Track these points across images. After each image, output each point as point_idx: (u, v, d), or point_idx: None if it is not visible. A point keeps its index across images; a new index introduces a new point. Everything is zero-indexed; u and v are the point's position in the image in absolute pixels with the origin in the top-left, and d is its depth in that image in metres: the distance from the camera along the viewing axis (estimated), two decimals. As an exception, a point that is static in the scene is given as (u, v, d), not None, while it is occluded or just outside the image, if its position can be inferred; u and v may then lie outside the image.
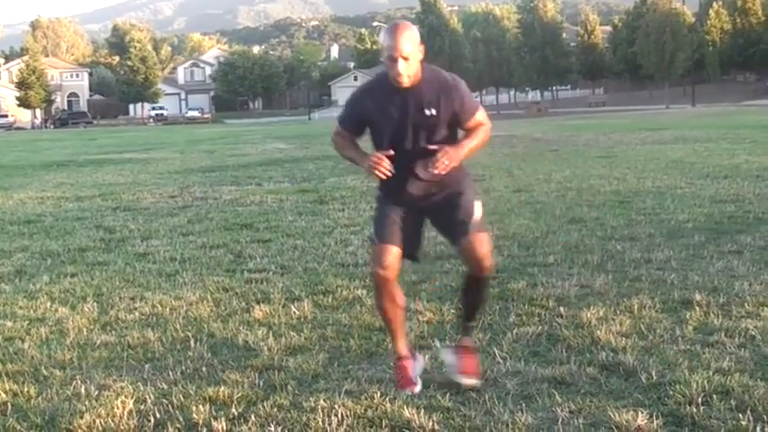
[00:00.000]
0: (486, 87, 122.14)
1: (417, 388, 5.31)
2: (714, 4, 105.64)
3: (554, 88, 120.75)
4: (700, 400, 4.88)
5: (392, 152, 5.13)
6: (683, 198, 13.82)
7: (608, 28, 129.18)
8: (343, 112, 5.54)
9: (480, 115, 5.36)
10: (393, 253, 5.29)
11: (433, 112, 5.19)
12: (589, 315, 6.80)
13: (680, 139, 30.36)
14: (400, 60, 5.05)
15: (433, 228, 5.67)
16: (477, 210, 5.36)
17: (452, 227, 5.35)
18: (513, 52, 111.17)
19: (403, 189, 5.35)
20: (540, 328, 6.57)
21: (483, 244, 5.28)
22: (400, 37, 5.08)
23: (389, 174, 5.08)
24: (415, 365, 5.49)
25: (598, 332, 6.32)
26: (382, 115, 5.26)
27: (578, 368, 5.56)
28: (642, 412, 4.74)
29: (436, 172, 5.02)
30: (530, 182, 17.28)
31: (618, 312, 6.90)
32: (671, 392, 5.02)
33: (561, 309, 7.07)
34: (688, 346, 5.97)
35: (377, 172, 5.08)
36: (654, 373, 5.36)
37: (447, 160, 5.02)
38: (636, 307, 7.01)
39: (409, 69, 5.10)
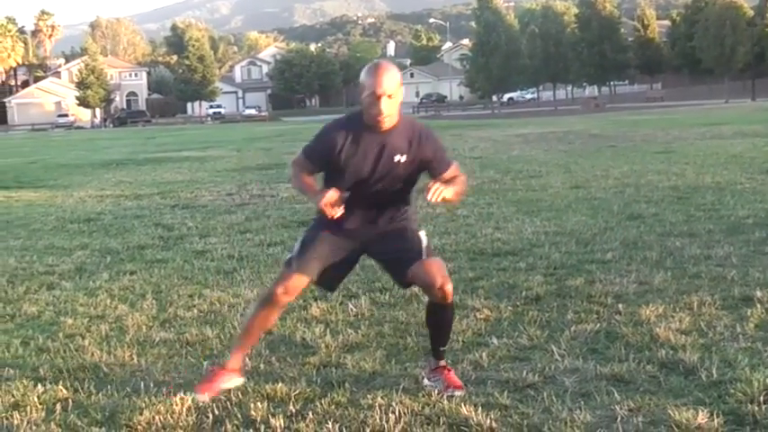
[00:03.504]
0: (543, 83, 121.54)
1: (206, 398, 5.19)
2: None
3: (611, 83, 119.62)
4: (761, 398, 4.82)
5: (347, 194, 5.08)
6: (743, 194, 13.65)
7: (666, 22, 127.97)
8: (310, 144, 5.42)
9: (455, 168, 5.34)
10: (301, 284, 5.30)
11: (403, 158, 5.15)
12: (648, 312, 6.74)
13: (739, 133, 30.00)
14: (384, 99, 4.99)
15: (379, 265, 5.82)
16: (424, 238, 5.34)
17: (402, 257, 5.27)
18: (570, 48, 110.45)
19: (347, 223, 5.27)
20: (598, 325, 6.52)
21: (439, 267, 5.21)
22: (384, 75, 5.03)
23: (338, 216, 5.02)
24: (229, 381, 5.34)
25: (657, 329, 6.26)
26: (351, 154, 5.17)
27: (637, 366, 5.51)
28: (702, 411, 4.70)
29: (431, 199, 4.95)
30: (587, 178, 17.16)
31: (677, 309, 6.83)
32: (731, 391, 4.97)
33: (620, 306, 7.02)
34: (749, 344, 5.90)
35: (328, 212, 5.00)
36: (714, 371, 5.30)
37: (436, 192, 4.97)
38: (695, 304, 6.94)
39: (391, 109, 5.04)
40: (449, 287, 5.17)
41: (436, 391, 5.24)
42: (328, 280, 5.48)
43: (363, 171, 5.18)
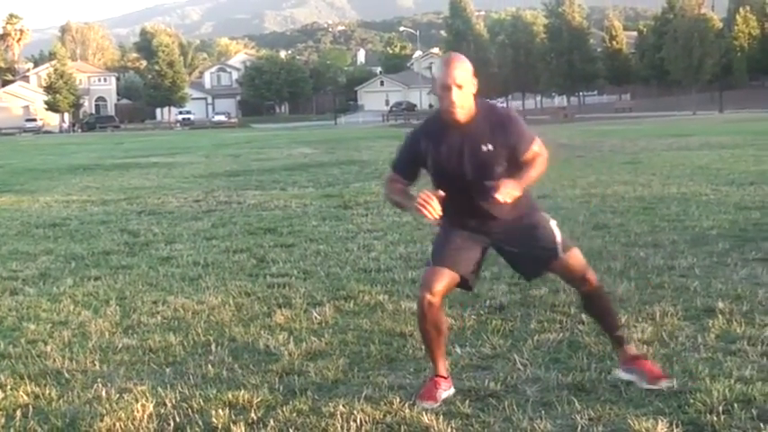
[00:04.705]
0: (513, 93, 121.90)
1: (435, 405, 5.18)
2: (741, 10, 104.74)
3: (581, 94, 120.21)
4: (721, 408, 4.85)
5: (442, 193, 4.97)
6: (708, 205, 13.74)
7: (635, 33, 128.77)
8: (396, 156, 5.43)
9: (536, 146, 5.28)
10: (444, 278, 5.21)
11: (490, 147, 5.10)
12: (611, 322, 6.76)
13: (706, 145, 30.22)
14: (454, 89, 4.98)
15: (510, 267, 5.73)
16: (557, 231, 5.30)
17: (537, 256, 5.28)
18: (539, 57, 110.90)
19: (467, 222, 5.24)
20: (561, 334, 6.55)
21: (577, 258, 5.28)
22: (453, 66, 5.03)
23: (437, 216, 4.91)
24: (447, 390, 5.33)
25: (619, 339, 6.29)
26: (438, 153, 5.16)
27: (599, 375, 5.54)
28: (662, 420, 4.72)
29: (499, 199, 4.87)
30: (554, 187, 17.17)
31: (640, 319, 6.87)
32: (692, 401, 4.99)
33: (583, 316, 7.00)
34: (710, 354, 5.94)
35: (425, 212, 4.90)
36: (675, 381, 5.33)
37: (507, 191, 4.89)
38: (658, 314, 6.98)
39: (463, 100, 5.02)
40: (590, 275, 5.28)
41: (635, 382, 5.26)
42: (469, 274, 5.37)
43: (453, 168, 5.14)
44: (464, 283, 5.41)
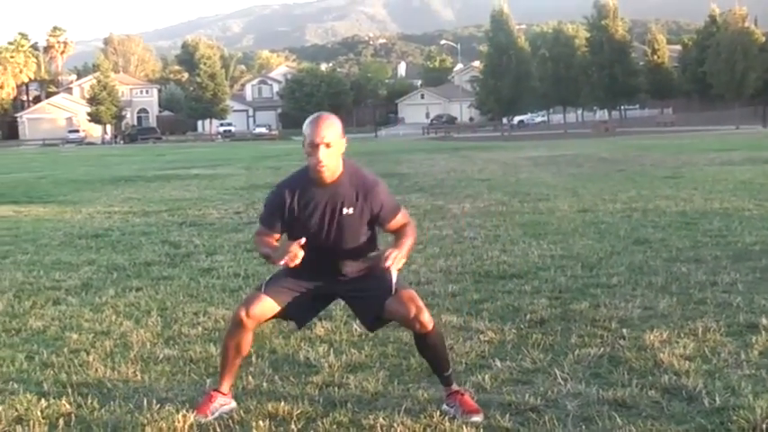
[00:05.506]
0: (553, 106, 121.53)
1: (207, 419, 5.23)
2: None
3: (622, 107, 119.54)
4: (764, 425, 4.81)
5: (304, 240, 5.01)
6: (751, 220, 13.63)
7: (678, 47, 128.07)
8: (263, 212, 5.45)
9: (402, 215, 5.35)
10: (266, 308, 5.28)
11: (351, 211, 5.16)
12: (652, 337, 6.73)
13: (749, 160, 29.98)
14: (321, 147, 5.00)
15: (351, 310, 5.76)
16: (394, 272, 5.24)
17: (373, 296, 5.26)
18: (580, 71, 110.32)
19: (313, 277, 5.28)
20: (602, 349, 6.51)
21: (411, 297, 5.21)
22: (322, 124, 5.06)
23: (298, 264, 4.99)
24: (223, 405, 5.38)
25: (661, 355, 6.26)
26: (300, 210, 5.19)
27: (640, 391, 5.51)
28: (704, 437, 4.69)
29: (389, 266, 4.95)
30: (595, 202, 17.16)
31: (682, 335, 6.83)
32: (734, 417, 4.95)
33: (624, 330, 7.01)
34: (753, 371, 5.89)
35: (288, 263, 4.99)
36: (717, 398, 5.29)
37: (397, 257, 4.98)
38: (700, 330, 6.93)
39: (330, 159, 5.06)
40: (424, 317, 5.15)
41: (454, 415, 5.19)
42: (298, 313, 5.46)
43: (313, 226, 5.18)
44: (293, 320, 5.61)
